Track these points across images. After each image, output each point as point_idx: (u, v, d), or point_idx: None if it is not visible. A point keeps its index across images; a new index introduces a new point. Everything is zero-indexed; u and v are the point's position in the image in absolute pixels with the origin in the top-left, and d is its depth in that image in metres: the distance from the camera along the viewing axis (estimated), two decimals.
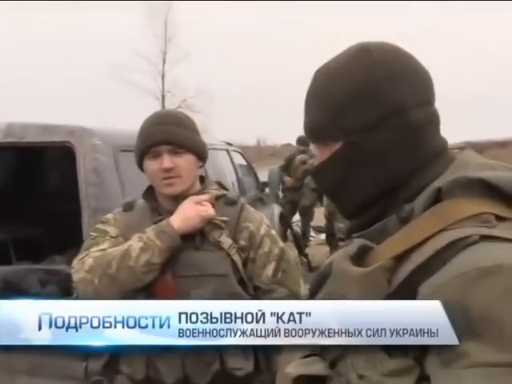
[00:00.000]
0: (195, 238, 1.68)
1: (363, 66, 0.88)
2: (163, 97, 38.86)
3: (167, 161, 1.67)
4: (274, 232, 1.83)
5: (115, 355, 1.66)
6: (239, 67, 69.05)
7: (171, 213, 1.70)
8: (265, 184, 6.58)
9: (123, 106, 49.36)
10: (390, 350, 0.75)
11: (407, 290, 0.76)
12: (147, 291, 1.62)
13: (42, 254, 3.43)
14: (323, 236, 8.03)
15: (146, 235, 1.63)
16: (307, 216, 7.92)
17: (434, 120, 0.91)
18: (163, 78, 38.58)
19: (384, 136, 0.87)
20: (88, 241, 1.76)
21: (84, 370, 2.51)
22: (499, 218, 0.77)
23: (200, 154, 1.76)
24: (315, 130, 0.94)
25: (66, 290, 2.51)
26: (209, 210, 1.68)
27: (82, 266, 1.65)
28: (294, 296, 1.74)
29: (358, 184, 0.91)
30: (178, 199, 1.72)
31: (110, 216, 1.82)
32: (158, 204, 1.77)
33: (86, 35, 56.03)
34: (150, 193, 1.81)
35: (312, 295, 0.90)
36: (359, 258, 0.83)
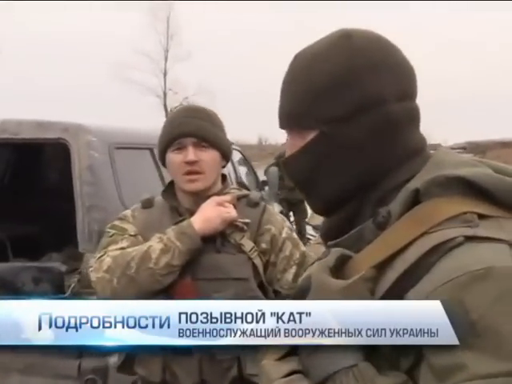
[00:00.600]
0: (216, 240, 1.65)
1: (343, 52, 0.84)
2: (165, 94, 38.86)
3: (192, 153, 1.64)
4: (295, 235, 1.80)
5: (131, 356, 1.65)
6: (241, 65, 68.93)
7: (191, 212, 1.68)
8: (264, 182, 6.57)
9: (125, 103, 49.34)
10: (380, 366, 0.72)
11: (392, 300, 0.73)
12: (166, 294, 1.59)
13: (39, 252, 3.43)
14: None
15: (166, 236, 1.61)
16: (299, 213, 7.88)
17: (413, 116, 0.87)
18: (165, 75, 38.57)
19: (360, 129, 0.83)
20: (105, 238, 1.73)
21: (77, 369, 2.53)
22: (481, 217, 0.74)
23: (225, 152, 1.73)
24: (289, 117, 0.90)
25: (59, 288, 2.52)
26: (231, 212, 1.65)
27: (100, 265, 1.62)
28: None
29: (330, 179, 0.87)
30: (198, 198, 1.69)
31: (128, 213, 1.79)
32: (177, 202, 1.74)
33: (88, 34, 55.89)
34: (169, 190, 1.78)
35: None
36: (338, 269, 0.79)
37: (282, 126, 0.93)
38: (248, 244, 1.66)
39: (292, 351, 0.86)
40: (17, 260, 3.19)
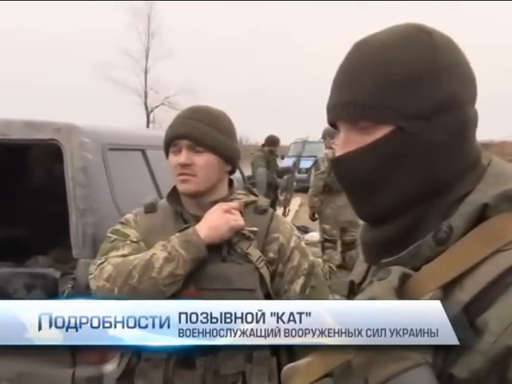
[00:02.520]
0: (222, 248, 1.62)
1: (426, 47, 0.81)
2: (146, 94, 38.94)
3: (184, 156, 1.64)
4: (303, 244, 1.78)
5: (131, 367, 1.64)
6: (223, 65, 69.07)
7: (195, 217, 1.66)
8: (250, 178, 6.55)
9: (106, 102, 49.27)
10: None
11: (465, 324, 0.71)
12: None
13: (25, 255, 3.44)
14: (307, 236, 8.05)
15: (170, 244, 1.58)
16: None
17: (477, 122, 0.85)
18: (146, 74, 38.67)
19: (438, 129, 0.80)
20: (106, 244, 1.71)
21: (71, 378, 2.54)
22: None
23: (226, 156, 1.69)
24: (358, 107, 0.82)
25: (52, 295, 2.53)
26: (238, 220, 1.63)
27: (100, 272, 1.60)
28: None
29: (397, 182, 0.81)
30: (202, 203, 1.68)
31: (130, 217, 1.76)
32: (181, 207, 1.72)
33: (68, 33, 55.92)
34: (174, 194, 1.76)
35: None
36: (399, 289, 0.75)
37: (341, 117, 0.85)
38: (255, 253, 1.63)
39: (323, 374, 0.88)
40: (2, 263, 3.19)
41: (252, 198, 1.79)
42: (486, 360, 0.68)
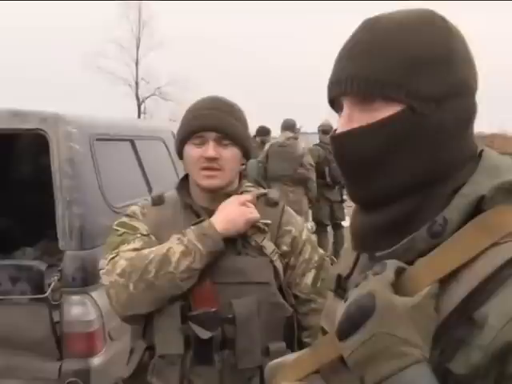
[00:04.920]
0: (236, 241, 1.60)
1: (441, 31, 0.80)
2: (137, 84, 38.82)
3: (212, 149, 1.59)
4: (313, 238, 1.77)
5: (143, 365, 1.61)
6: (215, 55, 68.88)
7: (206, 210, 1.64)
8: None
9: (97, 93, 49.05)
10: None
11: (460, 318, 0.70)
12: (184, 299, 1.55)
13: (12, 246, 3.42)
14: None
15: (186, 237, 1.55)
16: None
17: (476, 113, 0.84)
18: (137, 64, 38.55)
19: (449, 114, 0.79)
20: (114, 237, 1.66)
21: (58, 371, 2.53)
22: None
23: (246, 150, 1.68)
24: (371, 82, 0.79)
25: (38, 288, 2.51)
26: (254, 212, 1.61)
27: (113, 267, 1.56)
28: None
29: (401, 164, 0.79)
30: (215, 196, 1.65)
31: (136, 209, 1.71)
32: (191, 199, 1.69)
33: (58, 21, 55.42)
34: (183, 186, 1.73)
35: (343, 336, 0.73)
36: (395, 284, 0.73)
37: (349, 91, 0.82)
38: (269, 246, 1.62)
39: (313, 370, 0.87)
40: None
41: (262, 190, 1.78)
42: (485, 355, 0.67)
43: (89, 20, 49.79)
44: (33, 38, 57.11)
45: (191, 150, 1.62)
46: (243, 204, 1.61)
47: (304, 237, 1.72)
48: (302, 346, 1.67)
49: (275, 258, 1.62)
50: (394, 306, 0.70)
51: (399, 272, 0.74)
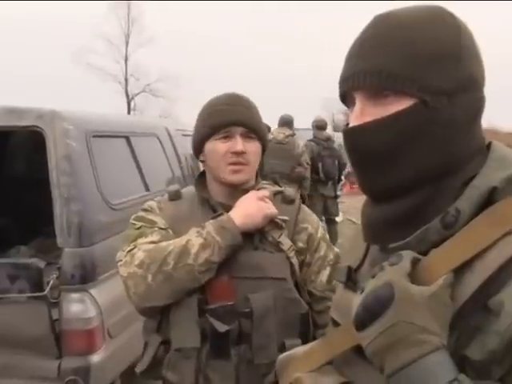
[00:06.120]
0: (254, 236, 1.61)
1: (452, 27, 0.82)
2: (126, 81, 38.74)
3: (240, 143, 1.60)
4: (327, 236, 1.79)
5: (158, 359, 1.60)
6: (205, 50, 68.70)
7: (223, 206, 1.65)
8: None
9: (85, 90, 48.80)
10: (469, 377, 0.69)
11: (475, 306, 0.72)
12: (202, 292, 1.55)
13: (7, 244, 3.41)
14: None
15: (205, 230, 1.56)
16: None
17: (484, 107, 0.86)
18: (126, 61, 38.48)
19: (459, 108, 0.81)
20: (131, 230, 1.67)
21: (57, 369, 2.53)
22: None
23: (265, 143, 1.71)
24: (384, 76, 0.80)
25: (37, 286, 2.51)
26: (272, 208, 1.62)
27: (131, 259, 1.57)
28: None
29: (413, 157, 0.81)
30: (233, 191, 1.66)
31: (153, 204, 1.72)
32: (209, 195, 1.70)
33: (46, 17, 55.01)
34: (200, 181, 1.74)
35: (361, 326, 0.74)
36: (411, 274, 0.75)
37: (362, 86, 0.83)
38: (286, 242, 1.64)
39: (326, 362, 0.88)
40: None
41: (277, 187, 1.79)
42: (502, 341, 0.68)
43: (76, 16, 49.52)
44: (21, 33, 56.71)
45: (217, 145, 1.63)
46: (261, 199, 1.62)
47: (319, 234, 1.72)
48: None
49: (292, 254, 1.63)
50: (412, 295, 0.71)
51: (414, 262, 0.76)
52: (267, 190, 1.71)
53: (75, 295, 2.54)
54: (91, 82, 52.28)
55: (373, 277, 0.77)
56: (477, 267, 0.73)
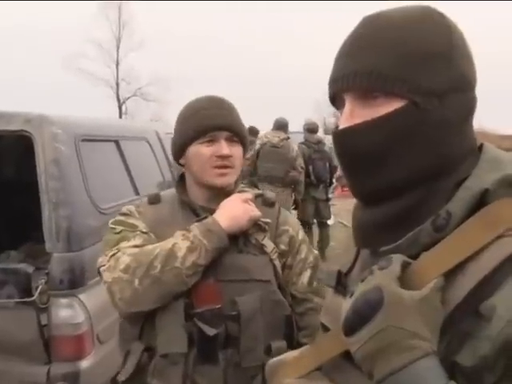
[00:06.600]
0: (238, 239, 1.61)
1: (442, 27, 0.82)
2: (117, 85, 38.71)
3: (226, 147, 1.61)
4: (307, 238, 1.81)
5: (142, 366, 1.58)
6: (196, 54, 68.80)
7: (204, 209, 1.65)
8: None
9: (76, 95, 48.69)
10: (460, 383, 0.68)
11: (466, 311, 0.71)
12: (188, 296, 1.54)
13: None
14: None
15: (191, 233, 1.55)
16: None
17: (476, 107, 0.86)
18: (117, 65, 38.47)
19: (450, 109, 0.80)
20: (111, 235, 1.64)
21: (46, 375, 2.51)
22: None
23: (246, 147, 1.72)
24: (374, 77, 0.80)
25: (26, 291, 2.49)
26: (255, 210, 1.63)
27: (115, 263, 1.54)
28: None
29: (403, 158, 0.80)
30: (215, 195, 1.66)
31: (131, 208, 1.71)
32: (189, 198, 1.70)
33: (36, 21, 54.89)
34: (180, 184, 1.74)
35: (350, 331, 0.73)
36: (401, 277, 0.74)
37: (352, 87, 0.82)
38: (269, 245, 1.65)
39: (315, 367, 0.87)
40: None
41: (257, 190, 1.81)
42: (494, 346, 0.67)
43: (65, 19, 49.36)
44: (10, 37, 56.49)
45: (201, 149, 1.63)
46: (245, 202, 1.62)
47: (300, 237, 1.74)
48: (299, 346, 1.67)
49: (275, 256, 1.64)
50: (402, 299, 0.70)
51: (405, 266, 0.75)
52: (250, 192, 1.72)
53: (64, 300, 2.53)
54: (82, 86, 52.22)
55: (362, 281, 0.76)
56: (469, 270, 0.72)
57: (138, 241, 1.60)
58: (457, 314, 0.71)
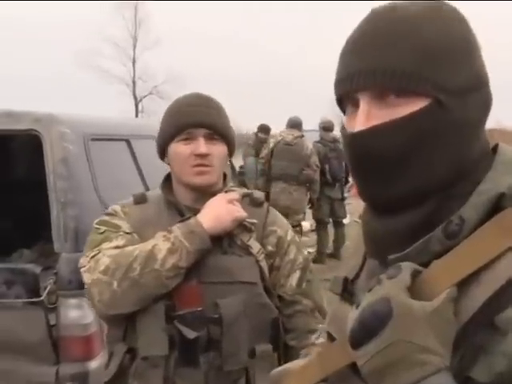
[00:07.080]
0: (222, 240, 1.58)
1: (458, 23, 0.77)
2: (134, 83, 38.97)
3: (203, 146, 1.57)
4: (297, 238, 1.76)
5: (124, 368, 1.56)
6: (212, 52, 68.97)
7: (190, 209, 1.61)
8: (241, 173, 6.55)
9: (92, 93, 49.08)
10: None
11: (481, 323, 0.66)
12: (169, 298, 1.52)
13: (10, 248, 3.40)
14: None
15: (172, 234, 1.52)
16: None
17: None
18: (134, 64, 38.76)
19: (473, 106, 0.75)
20: (95, 235, 1.62)
21: (54, 376, 2.51)
22: None
23: (231, 146, 1.67)
24: (396, 76, 0.73)
25: (34, 291, 2.49)
26: (240, 211, 1.59)
27: (95, 265, 1.52)
28: (319, 309, 1.68)
29: (426, 162, 0.74)
30: (199, 195, 1.63)
31: (117, 208, 1.68)
32: (175, 198, 1.66)
33: (53, 19, 55.31)
34: (166, 184, 1.70)
35: (357, 344, 0.69)
36: (411, 287, 0.69)
37: (368, 86, 0.76)
38: (255, 246, 1.61)
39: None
40: None
41: (245, 190, 1.76)
42: (510, 363, 0.63)
43: (81, 18, 49.79)
44: (25, 35, 57.09)
45: (179, 148, 1.59)
46: (230, 202, 1.59)
47: (289, 237, 1.70)
48: (287, 348, 1.65)
49: (261, 257, 1.60)
50: (412, 311, 0.66)
51: (415, 275, 0.70)
52: (235, 192, 1.68)
53: (73, 301, 2.52)
54: (97, 83, 52.60)
55: (369, 290, 0.71)
56: (484, 280, 0.67)
57: (120, 241, 1.57)
58: (471, 326, 0.67)
